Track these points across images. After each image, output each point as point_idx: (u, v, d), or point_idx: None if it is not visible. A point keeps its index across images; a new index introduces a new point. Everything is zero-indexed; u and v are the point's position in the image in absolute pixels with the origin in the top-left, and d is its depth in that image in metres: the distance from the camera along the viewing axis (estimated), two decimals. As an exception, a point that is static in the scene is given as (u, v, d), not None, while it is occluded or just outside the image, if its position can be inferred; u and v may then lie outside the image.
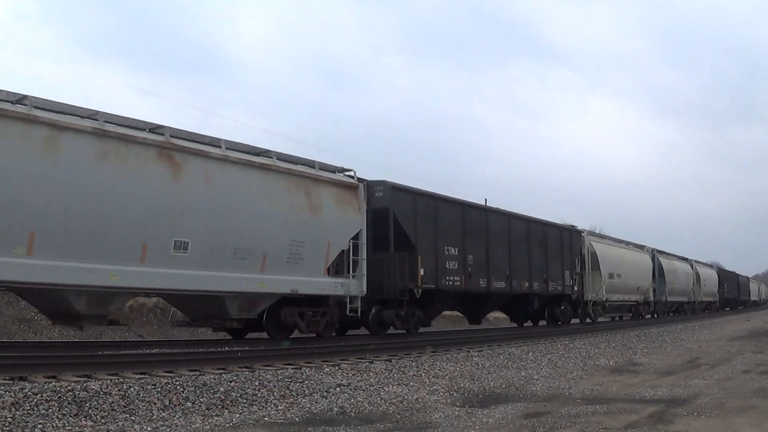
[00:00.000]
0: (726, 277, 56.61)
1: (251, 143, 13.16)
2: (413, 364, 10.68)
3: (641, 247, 34.44)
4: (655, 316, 34.59)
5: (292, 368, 9.35)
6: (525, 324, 23.05)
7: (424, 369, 10.32)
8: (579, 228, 26.70)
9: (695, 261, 45.05)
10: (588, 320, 25.96)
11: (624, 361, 13.13)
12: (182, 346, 11.48)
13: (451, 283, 16.63)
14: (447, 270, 16.50)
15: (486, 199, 21.28)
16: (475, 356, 12.35)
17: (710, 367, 11.80)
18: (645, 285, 32.06)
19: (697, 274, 43.39)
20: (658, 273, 34.45)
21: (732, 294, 58.55)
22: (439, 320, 24.54)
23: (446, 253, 16.64)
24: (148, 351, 10.17)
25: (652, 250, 35.41)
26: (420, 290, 15.32)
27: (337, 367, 9.72)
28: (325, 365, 9.81)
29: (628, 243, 33.07)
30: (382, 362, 10.64)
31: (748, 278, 77.16)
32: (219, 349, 11.03)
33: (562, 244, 23.43)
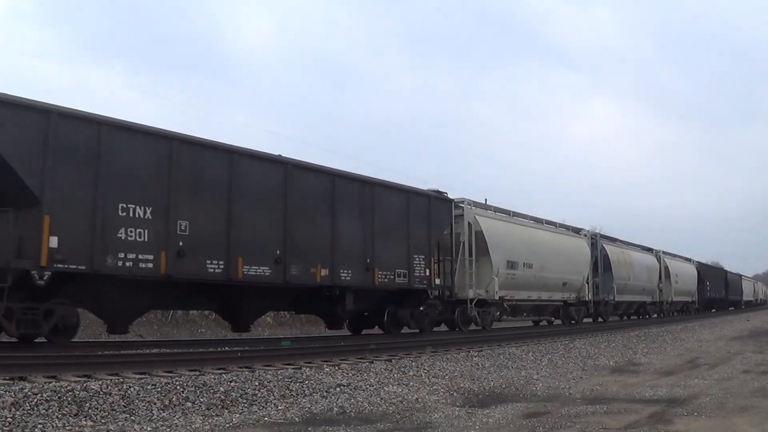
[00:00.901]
0: (709, 274, 48.35)
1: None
2: (413, 364, 10.68)
3: (576, 231, 26.79)
4: (600, 320, 28.34)
5: (292, 368, 9.36)
6: (363, 331, 17.12)
7: (424, 369, 10.32)
8: (454, 197, 18.87)
9: (664, 252, 36.99)
10: (474, 326, 19.04)
11: (624, 361, 13.13)
12: (182, 346, 11.48)
13: (129, 264, 10.49)
14: (121, 242, 10.41)
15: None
16: (475, 356, 12.35)
17: (710, 367, 11.80)
18: (577, 280, 24.76)
19: (666, 269, 35.88)
20: (603, 265, 27.49)
21: (717, 293, 50.71)
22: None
23: (122, 214, 10.52)
24: (148, 351, 10.17)
25: (594, 235, 28.23)
26: (47, 273, 9.72)
27: (337, 367, 9.72)
28: (325, 365, 9.82)
29: (556, 225, 25.28)
30: (382, 362, 10.64)
31: (740, 276, 68.23)
32: (219, 349, 11.03)
33: (410, 216, 16.23)
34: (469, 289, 18.32)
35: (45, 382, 6.92)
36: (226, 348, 11.10)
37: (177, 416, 6.46)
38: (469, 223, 18.74)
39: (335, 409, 7.15)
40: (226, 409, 6.94)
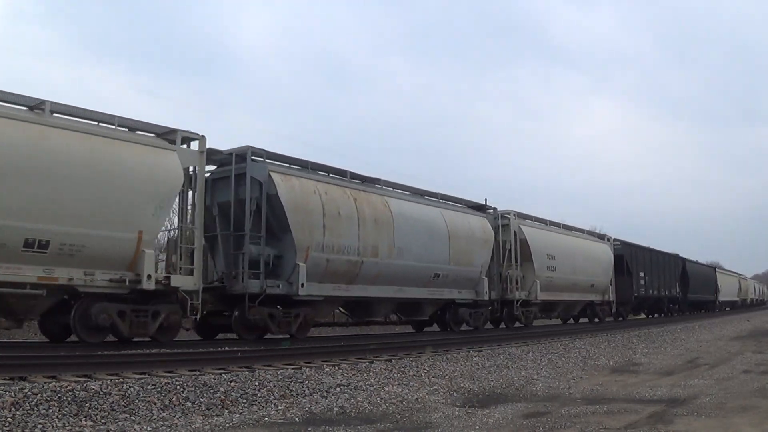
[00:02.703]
0: (643, 260, 31.17)
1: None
2: (413, 364, 10.68)
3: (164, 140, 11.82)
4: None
5: (292, 368, 9.36)
6: None
7: (424, 369, 10.32)
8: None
9: (521, 215, 21.68)
10: None
11: (624, 361, 13.13)
12: (182, 346, 11.47)
13: None
14: None
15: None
16: (475, 356, 12.35)
17: (710, 367, 11.80)
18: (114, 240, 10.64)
19: (525, 244, 20.79)
20: (273, 219, 13.21)
21: (663, 290, 33.99)
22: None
23: None
24: (148, 351, 10.17)
25: (258, 154, 13.47)
26: None
27: (337, 367, 9.72)
28: (325, 365, 9.82)
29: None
30: (382, 362, 10.64)
31: (715, 268, 53.71)
32: (219, 349, 11.03)
33: None
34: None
35: (45, 382, 6.92)
36: (226, 348, 11.10)
37: (177, 416, 6.46)
38: None
39: (335, 409, 7.15)
40: (226, 409, 6.94)
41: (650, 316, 35.23)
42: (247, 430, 6.12)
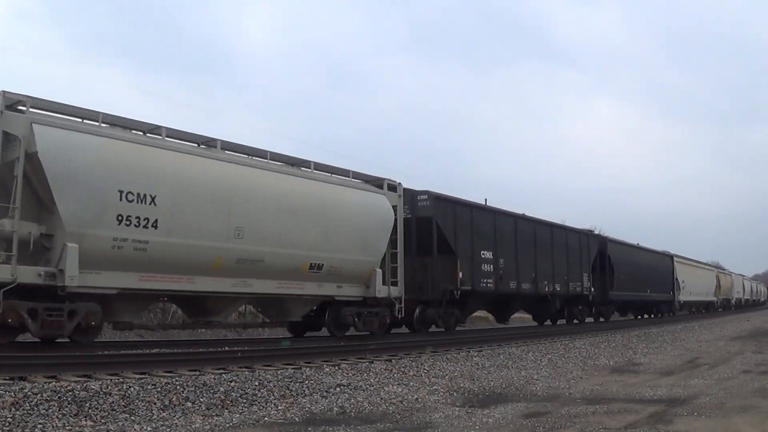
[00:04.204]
0: (498, 233, 18.96)
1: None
2: (413, 364, 10.68)
3: None
4: None
5: (292, 368, 9.36)
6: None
7: (424, 369, 10.32)
8: None
9: (33, 101, 9.40)
10: None
11: (624, 361, 13.14)
12: (182, 346, 11.47)
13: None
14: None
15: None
16: (475, 356, 12.36)
17: (710, 367, 11.81)
18: None
19: (35, 165, 9.17)
20: None
21: (556, 283, 21.85)
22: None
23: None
24: (148, 351, 10.18)
25: None
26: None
27: (337, 367, 9.72)
28: (325, 365, 9.82)
29: None
30: (382, 362, 10.64)
31: (672, 257, 37.41)
32: (219, 349, 11.03)
33: None
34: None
35: (45, 382, 6.92)
36: (226, 348, 11.11)
37: (177, 416, 6.46)
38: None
39: (335, 409, 7.15)
40: (226, 409, 6.94)
41: (544, 324, 24.36)
42: (247, 430, 6.12)
